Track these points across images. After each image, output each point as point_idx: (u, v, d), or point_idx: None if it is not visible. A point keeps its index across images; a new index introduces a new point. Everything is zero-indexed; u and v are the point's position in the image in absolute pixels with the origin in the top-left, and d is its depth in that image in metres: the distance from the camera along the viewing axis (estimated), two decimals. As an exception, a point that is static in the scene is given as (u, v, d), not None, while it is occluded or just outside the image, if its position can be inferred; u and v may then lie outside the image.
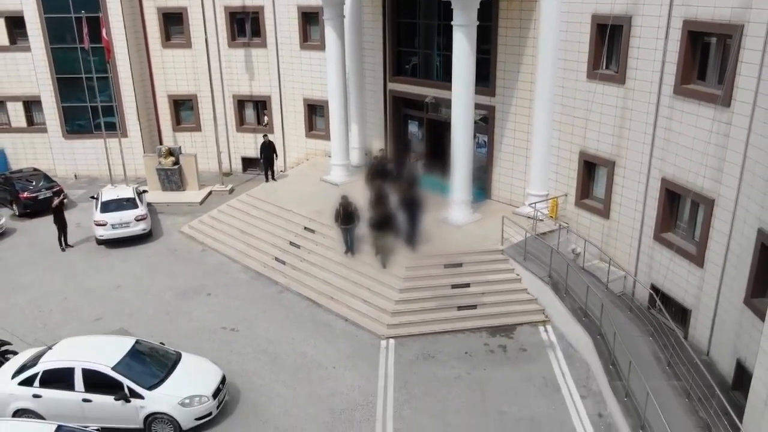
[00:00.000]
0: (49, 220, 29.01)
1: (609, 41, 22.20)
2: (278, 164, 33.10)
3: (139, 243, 28.41)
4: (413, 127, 31.41)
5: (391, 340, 21.15)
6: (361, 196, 24.63)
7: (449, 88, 24.94)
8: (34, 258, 27.44)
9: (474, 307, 22.32)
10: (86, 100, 34.85)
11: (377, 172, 27.00)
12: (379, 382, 19.24)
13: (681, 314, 20.47)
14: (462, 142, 24.93)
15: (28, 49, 34.44)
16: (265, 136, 32.97)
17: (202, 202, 32.31)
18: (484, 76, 26.13)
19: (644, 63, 20.94)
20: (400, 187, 24.41)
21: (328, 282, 23.72)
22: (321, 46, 31.50)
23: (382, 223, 22.76)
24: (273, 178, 32.01)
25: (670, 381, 17.91)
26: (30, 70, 35.12)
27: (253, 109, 36.19)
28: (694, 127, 19.26)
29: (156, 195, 32.53)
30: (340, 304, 22.86)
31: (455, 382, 19.31)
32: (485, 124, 27.52)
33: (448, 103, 25.97)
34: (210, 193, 33.26)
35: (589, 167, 24.15)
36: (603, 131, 22.96)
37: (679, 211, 20.97)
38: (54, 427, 14.87)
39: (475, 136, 26.55)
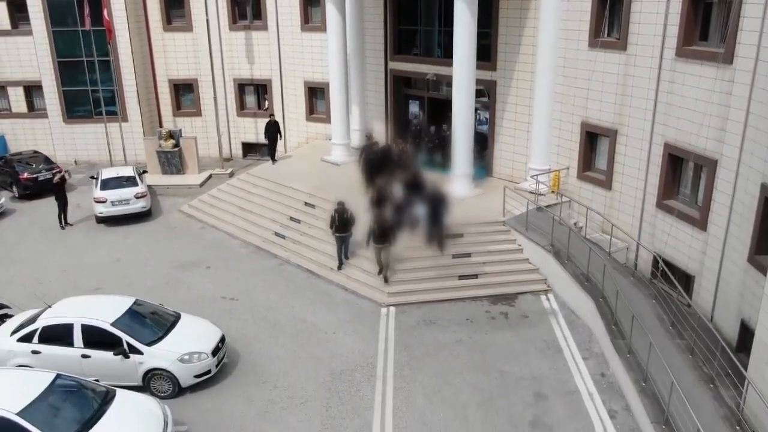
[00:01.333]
0: (49, 201, 29.17)
1: (610, 8, 22.30)
2: (279, 145, 32.91)
3: (139, 221, 28.43)
4: (414, 107, 31.45)
5: (392, 308, 21.15)
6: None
7: (450, 65, 25.06)
8: (34, 235, 27.49)
9: (475, 276, 22.31)
10: (87, 84, 34.98)
11: (372, 160, 25.47)
12: (380, 345, 19.24)
13: (684, 281, 20.41)
14: (462, 115, 24.97)
15: (29, 32, 34.55)
16: (271, 115, 32.91)
17: (201, 185, 32.33)
18: (485, 50, 26.22)
19: (646, 27, 21.00)
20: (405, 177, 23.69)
21: (329, 254, 23.72)
22: (322, 28, 31.59)
23: (385, 235, 21.17)
24: (273, 160, 31.93)
25: (674, 340, 17.91)
26: (31, 54, 35.26)
27: (254, 93, 36.26)
28: (697, 89, 19.31)
29: (156, 178, 32.56)
30: (340, 275, 22.87)
31: (456, 345, 19.30)
32: (486, 98, 27.54)
33: (449, 81, 26.03)
34: (210, 176, 33.30)
35: (591, 138, 24.19)
36: (605, 100, 23.01)
37: (682, 176, 20.99)
38: (53, 375, 14.86)
39: (476, 113, 26.65)
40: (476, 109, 26.45)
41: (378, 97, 31.82)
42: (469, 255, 22.71)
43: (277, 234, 25.68)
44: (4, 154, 34.81)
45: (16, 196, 31.59)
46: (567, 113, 24.63)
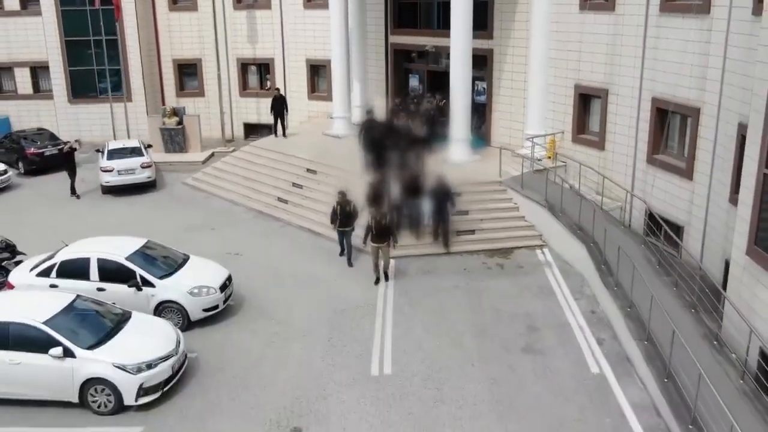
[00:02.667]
0: (54, 176, 30.98)
1: (599, -30, 23.86)
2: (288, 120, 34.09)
3: (144, 192, 29.94)
4: (414, 81, 32.96)
5: (392, 260, 22.45)
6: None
7: (449, 36, 26.58)
8: (42, 204, 28.92)
9: (472, 232, 23.72)
10: (93, 63, 36.61)
11: (373, 136, 24.93)
12: (379, 290, 20.64)
13: (675, 233, 21.70)
14: (460, 82, 26.48)
15: (38, 13, 36.30)
16: (277, 89, 34.13)
17: (204, 162, 33.71)
18: (482, 19, 27.72)
19: (633, -14, 22.57)
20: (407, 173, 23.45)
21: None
22: (324, 5, 32.88)
23: (384, 233, 20.72)
24: (284, 135, 32.93)
25: (660, 277, 19.34)
26: (39, 35, 37.01)
27: (257, 73, 37.83)
28: (679, 41, 20.83)
29: (159, 156, 33.79)
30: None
31: (453, 289, 20.73)
32: (483, 69, 29.02)
33: (448, 53, 27.51)
34: (212, 154, 34.69)
35: (584, 100, 25.70)
36: (596, 61, 24.54)
37: (669, 129, 22.42)
38: (73, 295, 16.42)
39: (474, 85, 28.17)
40: (474, 81, 27.92)
41: (378, 72, 33.34)
42: (466, 212, 24.04)
43: (279, 199, 27.15)
44: (9, 132, 36.26)
45: (22, 172, 33.01)
46: (561, 77, 26.16)
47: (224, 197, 28.87)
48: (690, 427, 13.54)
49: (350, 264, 22.33)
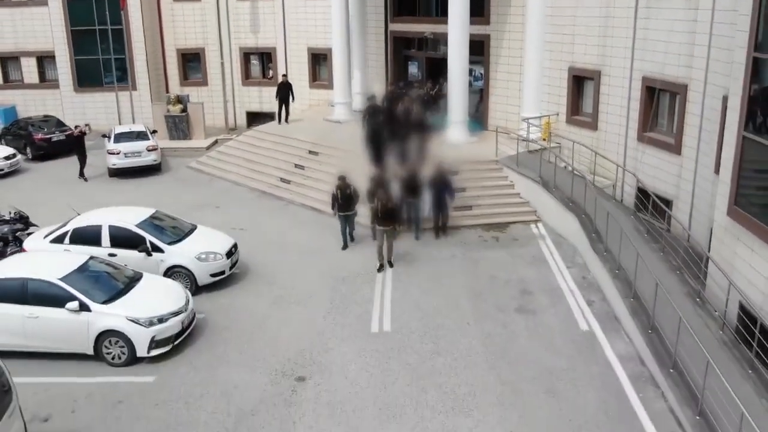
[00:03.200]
0: (62, 161, 32.37)
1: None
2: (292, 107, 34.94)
3: (149, 175, 31.03)
4: (413, 68, 34.01)
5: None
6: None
7: (447, 23, 27.72)
8: (50, 185, 29.98)
9: (469, 208, 24.72)
10: (98, 53, 37.74)
11: (376, 121, 25.93)
12: (379, 260, 21.59)
13: (665, 206, 22.68)
14: (457, 66, 27.57)
15: (44, 2, 37.46)
16: (284, 76, 35.00)
17: (208, 148, 34.74)
18: (479, 5, 28.79)
19: (623, -31, 23.63)
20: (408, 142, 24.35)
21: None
22: (326, -7, 34.13)
23: (392, 216, 20.69)
24: (287, 121, 33.77)
25: (648, 244, 20.34)
26: (45, 25, 38.24)
27: (259, 62, 38.96)
28: (667, 20, 21.86)
29: (164, 142, 34.68)
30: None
31: (451, 258, 21.76)
32: (481, 54, 30.06)
33: (446, 40, 28.51)
34: (216, 141, 35.75)
35: (578, 82, 26.76)
36: (589, 43, 25.59)
37: (659, 107, 23.42)
38: (87, 256, 17.51)
39: (471, 70, 29.24)
40: (472, 66, 28.98)
41: (378, 59, 34.40)
42: (464, 189, 25.03)
43: (282, 180, 28.19)
44: (16, 119, 37.37)
45: (30, 157, 34.14)
46: (556, 60, 27.21)
47: (228, 179, 29.92)
48: (671, 371, 14.54)
49: (352, 239, 22.60)
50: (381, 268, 20.61)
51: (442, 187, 22.02)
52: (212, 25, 36.98)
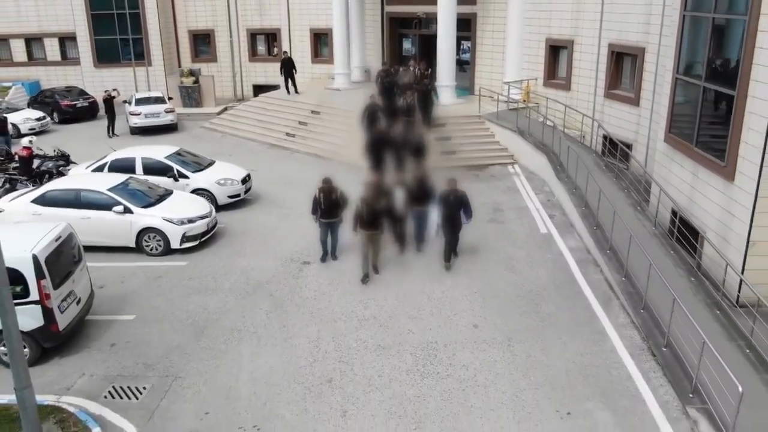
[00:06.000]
0: (85, 124, 36.91)
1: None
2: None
3: (167, 133, 34.92)
4: (407, 44, 37.89)
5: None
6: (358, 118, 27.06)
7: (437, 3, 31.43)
8: (79, 141, 33.66)
9: (453, 152, 28.41)
10: (116, 33, 41.82)
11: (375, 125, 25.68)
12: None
13: (627, 148, 26.32)
14: (446, 39, 31.29)
15: (67, -14, 41.51)
16: (285, 52, 38.79)
17: (219, 114, 38.50)
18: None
19: (591, -53, 27.53)
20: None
21: (333, 143, 29.86)
22: (327, -23, 38.00)
23: (377, 219, 18.07)
24: (296, 92, 36.96)
25: (605, 174, 24.02)
26: (66, 9, 42.34)
27: (264, 42, 42.93)
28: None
29: (178, 109, 38.35)
30: (343, 156, 28.82)
31: (434, 191, 25.38)
32: (468, 30, 33.88)
33: (437, 19, 32.17)
34: (225, 108, 39.52)
35: (554, 51, 30.55)
36: (564, 17, 29.48)
37: (622, 68, 27.19)
38: (127, 176, 21.51)
39: (459, 44, 33.04)
40: (460, 41, 32.79)
41: (375, 37, 38.29)
42: (449, 138, 28.76)
43: (288, 134, 31.98)
44: (41, 89, 41.38)
45: (56, 121, 38.18)
46: (535, 33, 31.07)
47: (239, 135, 33.82)
48: (608, 252, 18.26)
49: (334, 257, 19.44)
50: (365, 278, 18.10)
51: (457, 205, 18.22)
52: (221, 8, 41.05)
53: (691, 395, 12.44)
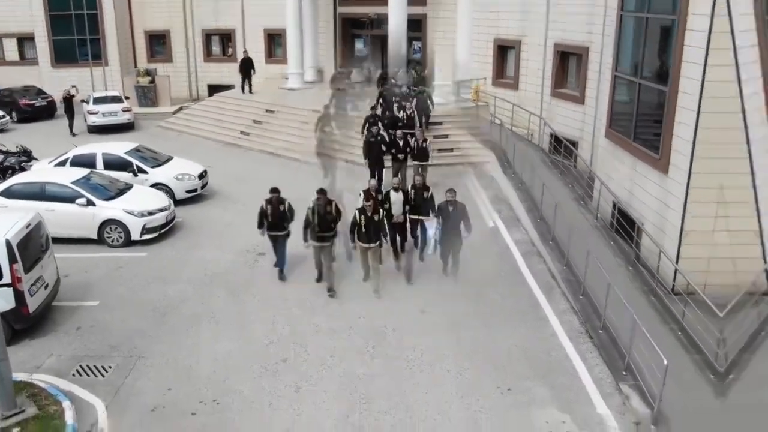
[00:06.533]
0: (44, 123, 36.94)
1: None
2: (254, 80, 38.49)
3: (124, 131, 35.03)
4: (359, 44, 38.45)
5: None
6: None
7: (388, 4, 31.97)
8: (39, 139, 33.27)
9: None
10: (74, 33, 41.81)
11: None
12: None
13: (573, 145, 27.06)
14: (397, 43, 31.82)
15: (25, -13, 41.38)
16: (245, 52, 38.72)
17: (174, 113, 38.59)
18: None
19: (537, -50, 28.32)
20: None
21: (286, 141, 30.28)
22: (280, -21, 38.33)
23: (328, 229, 17.16)
24: (251, 92, 37.34)
25: (554, 174, 24.76)
26: (25, 9, 42.12)
27: (219, 43, 43.21)
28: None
29: (134, 109, 38.38)
30: (301, 154, 29.11)
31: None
32: (419, 31, 34.54)
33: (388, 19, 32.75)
34: (181, 108, 39.53)
35: (502, 51, 31.32)
36: (511, 18, 30.29)
37: (568, 68, 28.02)
38: (88, 171, 21.87)
39: (410, 44, 33.67)
40: (411, 41, 33.41)
41: (328, 38, 38.81)
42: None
43: (242, 132, 32.36)
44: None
45: (15, 120, 38.08)
46: (483, 33, 31.79)
47: (194, 134, 34.08)
48: (550, 243, 18.99)
49: (282, 270, 18.23)
50: (330, 290, 17.26)
51: (456, 217, 17.40)
52: (177, 9, 41.22)
53: (624, 373, 13.15)
